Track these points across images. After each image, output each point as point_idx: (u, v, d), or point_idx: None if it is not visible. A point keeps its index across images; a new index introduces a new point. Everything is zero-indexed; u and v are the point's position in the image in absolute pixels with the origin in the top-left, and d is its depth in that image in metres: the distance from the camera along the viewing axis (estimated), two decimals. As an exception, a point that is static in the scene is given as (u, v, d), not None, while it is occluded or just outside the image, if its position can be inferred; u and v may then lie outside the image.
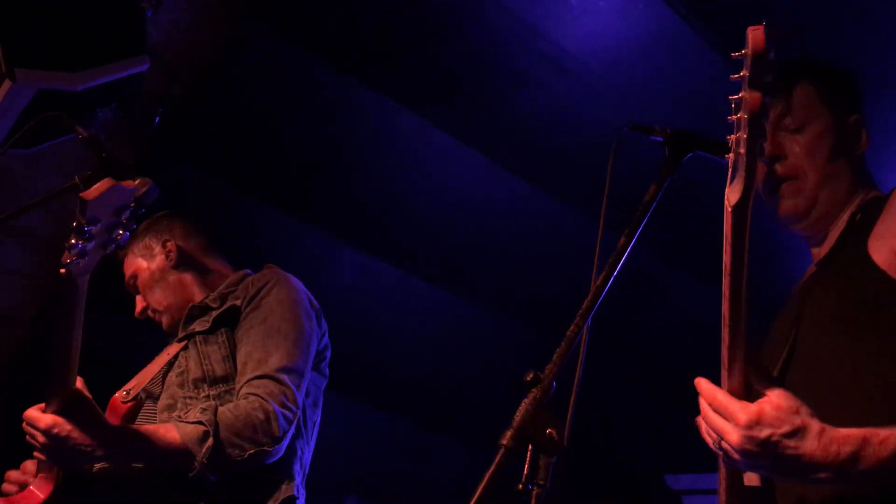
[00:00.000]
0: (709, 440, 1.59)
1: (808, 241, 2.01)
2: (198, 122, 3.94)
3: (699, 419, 1.61)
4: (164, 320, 2.91)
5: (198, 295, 2.88)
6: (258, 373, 2.53)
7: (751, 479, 1.74)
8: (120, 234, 2.22)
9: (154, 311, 2.92)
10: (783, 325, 1.90)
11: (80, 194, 2.13)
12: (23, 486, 2.60)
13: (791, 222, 1.96)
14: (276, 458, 2.50)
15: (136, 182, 2.45)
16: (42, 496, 2.49)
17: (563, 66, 3.95)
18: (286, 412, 2.49)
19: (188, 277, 2.91)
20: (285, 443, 2.50)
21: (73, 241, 2.14)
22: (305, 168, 4.26)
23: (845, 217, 1.92)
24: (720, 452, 1.57)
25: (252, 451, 2.42)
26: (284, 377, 2.54)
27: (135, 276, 2.95)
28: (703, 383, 1.59)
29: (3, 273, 3.93)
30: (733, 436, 1.52)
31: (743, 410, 1.51)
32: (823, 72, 2.01)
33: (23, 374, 3.98)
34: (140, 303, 2.96)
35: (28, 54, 2.90)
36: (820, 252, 1.95)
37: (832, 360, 1.75)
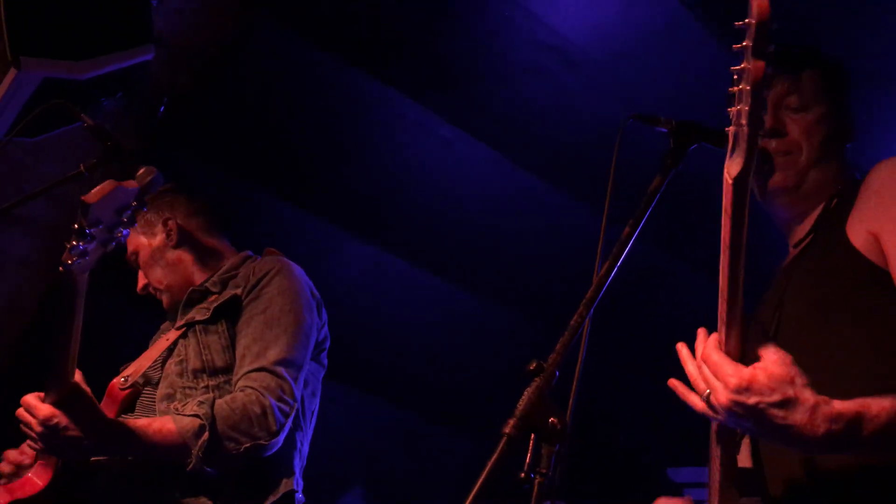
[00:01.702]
0: (690, 399, 1.59)
1: (785, 223, 2.02)
2: (202, 111, 3.94)
3: (673, 381, 1.61)
4: (165, 299, 2.89)
5: (198, 276, 2.85)
6: (256, 366, 2.52)
7: (742, 460, 1.75)
8: (121, 233, 2.23)
9: (155, 289, 2.90)
10: (767, 308, 1.92)
11: (82, 197, 2.13)
12: (18, 468, 2.60)
13: (777, 195, 1.97)
14: (272, 451, 2.49)
15: (141, 171, 2.46)
16: (41, 484, 2.50)
17: (568, 57, 3.94)
18: (283, 406, 2.48)
19: (188, 257, 2.87)
20: (282, 436, 2.50)
21: (73, 242, 2.15)
22: (310, 158, 4.26)
23: (823, 201, 1.94)
24: (705, 404, 1.57)
25: (248, 445, 2.42)
26: (282, 370, 2.52)
27: (136, 253, 2.91)
28: (702, 334, 1.59)
29: (7, 261, 3.94)
30: (721, 396, 1.52)
31: (734, 374, 1.51)
32: (831, 64, 2.04)
33: (27, 360, 3.99)
34: (142, 279, 2.93)
35: (33, 43, 2.90)
36: (797, 235, 1.98)
37: (814, 343, 1.76)
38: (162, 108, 3.73)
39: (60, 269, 2.18)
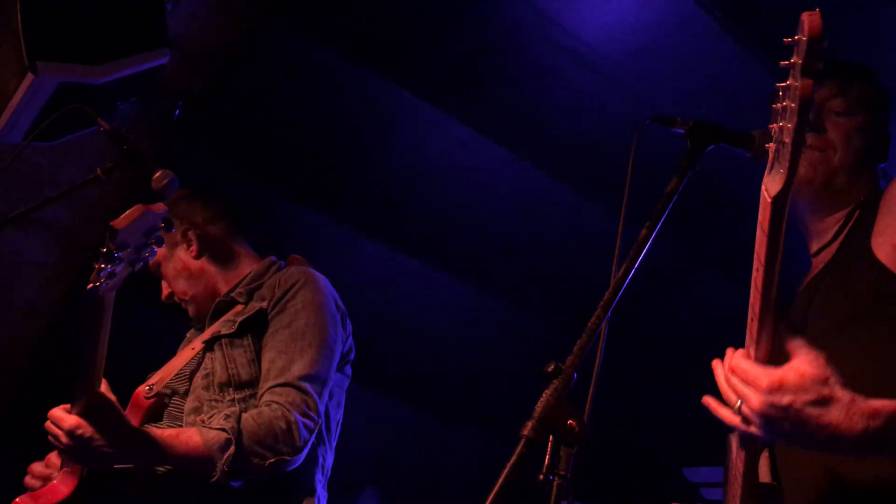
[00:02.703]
0: (722, 413, 1.56)
1: (805, 225, 2.01)
2: (217, 114, 3.95)
3: (707, 398, 1.58)
4: (191, 309, 2.89)
5: (222, 284, 2.85)
6: (281, 380, 2.53)
7: (763, 475, 1.73)
8: (148, 254, 2.29)
9: (180, 299, 2.90)
10: (792, 322, 1.89)
11: (111, 223, 2.19)
12: (46, 480, 2.62)
13: (803, 189, 1.94)
14: (295, 466, 2.50)
15: (157, 174, 2.47)
16: (66, 491, 2.51)
17: (582, 58, 3.94)
18: (307, 421, 2.49)
19: (211, 266, 2.86)
20: (305, 451, 2.50)
21: (102, 265, 2.19)
22: (325, 160, 4.27)
23: (846, 213, 1.93)
24: (738, 418, 1.54)
25: (273, 460, 2.43)
26: (307, 385, 2.53)
27: (158, 264, 2.91)
28: (728, 352, 1.56)
29: (25, 264, 3.96)
30: (754, 401, 1.49)
31: (765, 376, 1.49)
32: (880, 84, 2.05)
33: (46, 364, 4.01)
34: (166, 288, 2.94)
35: (50, 48, 2.91)
36: (818, 242, 1.96)
37: (840, 357, 1.72)
38: (177, 112, 3.74)
39: (88, 286, 2.21)
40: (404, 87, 4.06)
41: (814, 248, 1.99)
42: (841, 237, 1.91)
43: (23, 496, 2.56)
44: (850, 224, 1.90)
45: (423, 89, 4.08)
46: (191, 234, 2.87)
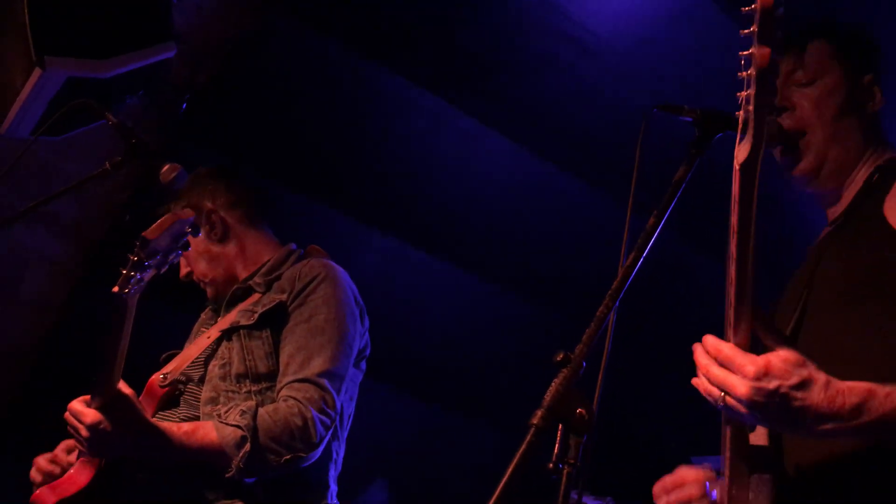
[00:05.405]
0: (709, 397, 1.57)
1: (821, 202, 1.98)
2: (223, 107, 3.96)
3: (695, 380, 1.59)
4: (209, 291, 2.88)
5: (241, 270, 2.83)
6: (299, 376, 2.52)
7: (756, 438, 1.74)
8: (174, 257, 2.36)
9: (199, 279, 2.88)
10: (795, 286, 1.89)
11: (143, 234, 2.26)
12: (50, 476, 2.62)
13: (803, 182, 1.93)
14: (311, 462, 2.51)
15: (165, 168, 2.48)
16: (84, 481, 2.52)
17: (587, 47, 3.93)
18: (324, 418, 2.49)
19: (231, 250, 2.84)
20: (321, 448, 2.51)
21: (132, 273, 2.26)
22: (330, 152, 4.27)
23: (861, 177, 1.89)
24: (722, 407, 1.56)
25: (288, 457, 2.44)
26: (325, 382, 2.53)
27: None
28: (708, 338, 1.58)
29: (33, 259, 3.97)
30: (741, 388, 1.51)
31: (751, 363, 1.51)
32: (840, 29, 1.97)
33: (54, 357, 4.03)
34: (184, 266, 2.91)
35: (57, 42, 2.92)
36: (834, 212, 1.93)
37: (842, 324, 1.74)
38: (184, 105, 3.75)
39: (114, 289, 2.27)
40: (410, 79, 4.06)
41: (830, 218, 1.94)
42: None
43: (42, 488, 2.57)
44: (867, 190, 1.85)
45: (428, 80, 4.08)
46: (214, 217, 2.85)
